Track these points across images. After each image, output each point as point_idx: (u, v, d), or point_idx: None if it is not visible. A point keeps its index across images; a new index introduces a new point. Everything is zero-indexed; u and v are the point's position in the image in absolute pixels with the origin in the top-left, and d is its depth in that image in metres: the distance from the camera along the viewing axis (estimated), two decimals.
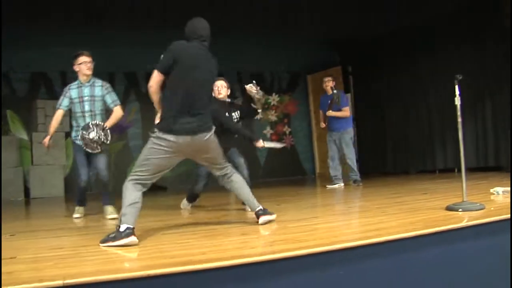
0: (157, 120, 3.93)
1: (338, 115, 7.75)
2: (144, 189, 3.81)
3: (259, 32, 9.28)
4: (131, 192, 3.72)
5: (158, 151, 3.79)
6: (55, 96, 9.92)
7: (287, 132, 12.01)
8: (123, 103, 10.37)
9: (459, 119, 4.33)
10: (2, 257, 3.17)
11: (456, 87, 4.31)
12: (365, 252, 3.13)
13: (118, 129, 10.30)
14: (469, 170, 7.62)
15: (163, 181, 10.24)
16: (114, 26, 8.92)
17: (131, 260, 3.06)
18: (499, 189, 5.12)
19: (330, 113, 7.78)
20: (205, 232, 4.00)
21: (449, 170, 9.07)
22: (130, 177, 3.79)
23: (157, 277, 2.61)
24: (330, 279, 3.00)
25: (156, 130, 3.82)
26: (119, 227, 3.55)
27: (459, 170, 4.33)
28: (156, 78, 3.83)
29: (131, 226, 3.56)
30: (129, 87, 10.59)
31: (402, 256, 3.26)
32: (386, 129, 10.68)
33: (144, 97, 10.46)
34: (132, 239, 3.51)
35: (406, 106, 10.13)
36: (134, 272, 2.62)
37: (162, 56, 3.86)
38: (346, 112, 7.81)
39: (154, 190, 10.68)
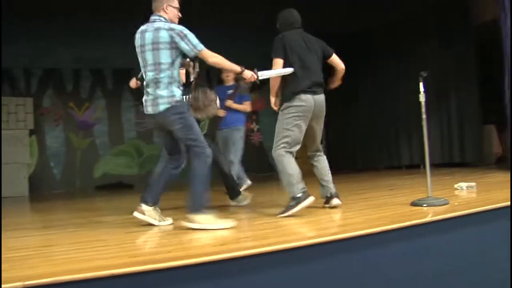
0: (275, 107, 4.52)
1: (241, 108, 6.60)
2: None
3: (226, 24, 9.18)
4: (290, 160, 4.26)
5: (292, 119, 4.29)
6: (18, 93, 9.72)
7: (255, 129, 11.91)
8: (90, 101, 10.30)
9: (424, 116, 4.39)
10: None
11: (421, 84, 4.36)
12: (331, 248, 3.14)
13: (84, 126, 10.16)
14: (435, 166, 7.73)
15: (130, 179, 10.15)
16: (80, 19, 8.76)
17: (93, 260, 3.00)
18: (463, 184, 5.23)
19: (231, 104, 6.50)
20: (171, 229, 3.96)
21: (416, 166, 9.20)
22: (278, 148, 4.29)
23: (121, 276, 2.57)
24: (296, 275, 3.00)
25: (284, 103, 4.36)
26: (293, 197, 4.19)
27: (425, 166, 4.38)
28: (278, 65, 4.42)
29: (305, 188, 4.21)
30: (96, 84, 10.33)
31: (368, 251, 3.28)
32: (355, 126, 10.78)
33: (111, 94, 10.40)
34: (312, 198, 4.20)
35: (374, 103, 10.25)
36: (97, 272, 2.57)
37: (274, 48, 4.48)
38: (249, 106, 6.76)
39: (120, 188, 10.35)
